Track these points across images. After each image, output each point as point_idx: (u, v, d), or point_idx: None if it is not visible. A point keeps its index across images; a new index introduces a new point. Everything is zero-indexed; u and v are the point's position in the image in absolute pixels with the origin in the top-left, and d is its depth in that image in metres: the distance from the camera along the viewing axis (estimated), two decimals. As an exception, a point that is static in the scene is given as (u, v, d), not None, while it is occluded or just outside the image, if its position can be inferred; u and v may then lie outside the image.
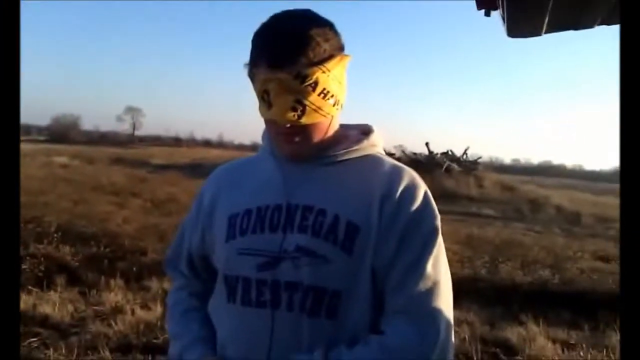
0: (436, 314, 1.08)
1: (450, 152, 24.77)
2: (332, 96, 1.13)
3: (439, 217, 1.16)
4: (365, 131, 1.25)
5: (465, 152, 24.98)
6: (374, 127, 1.27)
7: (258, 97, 1.12)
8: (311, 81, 1.08)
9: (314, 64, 1.08)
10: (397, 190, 1.14)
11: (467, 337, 4.73)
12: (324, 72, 1.09)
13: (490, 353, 4.52)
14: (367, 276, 1.10)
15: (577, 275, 6.98)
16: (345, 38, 1.16)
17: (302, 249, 1.10)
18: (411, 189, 1.15)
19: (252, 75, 1.13)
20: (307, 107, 1.09)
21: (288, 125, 1.10)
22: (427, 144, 24.41)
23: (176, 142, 62.28)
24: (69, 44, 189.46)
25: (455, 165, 23.22)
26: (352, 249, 1.09)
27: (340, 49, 1.14)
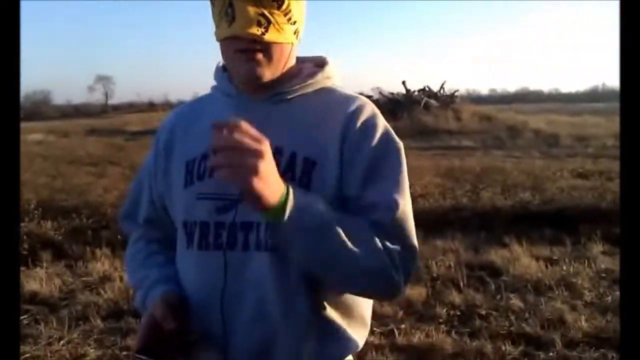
0: (411, 241, 1.09)
1: (427, 89, 24.63)
2: (294, 22, 1.11)
3: (401, 146, 1.14)
4: (319, 64, 1.20)
5: (442, 87, 24.86)
6: (329, 59, 1.22)
7: (219, 15, 1.08)
8: None
9: None
10: (357, 122, 1.11)
11: (452, 264, 4.84)
12: None
13: (476, 277, 4.63)
14: None
15: (557, 194, 7.08)
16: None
17: None
18: (372, 120, 1.13)
19: None
20: (271, 24, 1.06)
21: (250, 39, 1.06)
22: (403, 82, 24.22)
23: (151, 107, 61.03)
24: (33, 18, 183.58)
25: (433, 101, 23.14)
26: (310, 185, 1.07)
27: None
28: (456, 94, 25.39)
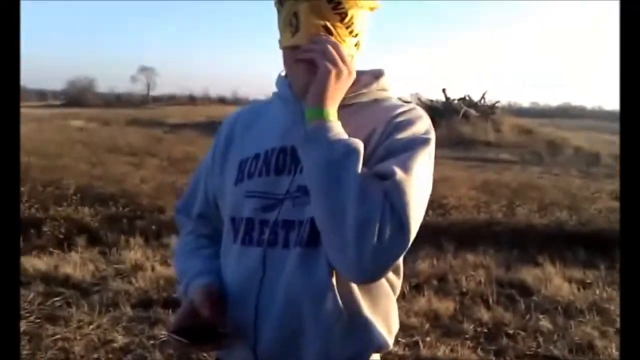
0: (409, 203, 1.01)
1: (467, 98, 24.33)
2: (356, 35, 1.14)
3: (430, 144, 1.11)
4: (376, 75, 1.24)
5: (482, 97, 24.54)
6: (385, 72, 1.25)
7: (284, 23, 1.13)
8: (343, 9, 1.10)
9: None
10: (395, 120, 1.13)
11: (482, 280, 4.78)
12: (356, 5, 1.11)
13: (506, 295, 4.56)
14: None
15: (594, 215, 6.91)
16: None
17: (302, 188, 1.12)
18: (410, 120, 1.14)
19: (280, 1, 1.14)
20: (333, 36, 1.10)
21: None
22: (444, 90, 24.02)
23: (191, 100, 62.14)
24: (81, 7, 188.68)
25: (472, 111, 22.85)
26: None
27: None
28: (497, 105, 25.02)
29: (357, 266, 1.00)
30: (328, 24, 1.09)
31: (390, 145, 1.09)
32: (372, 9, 1.16)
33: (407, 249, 1.02)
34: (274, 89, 1.30)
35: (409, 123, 1.13)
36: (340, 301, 1.11)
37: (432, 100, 24.57)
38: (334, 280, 1.10)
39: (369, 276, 1.05)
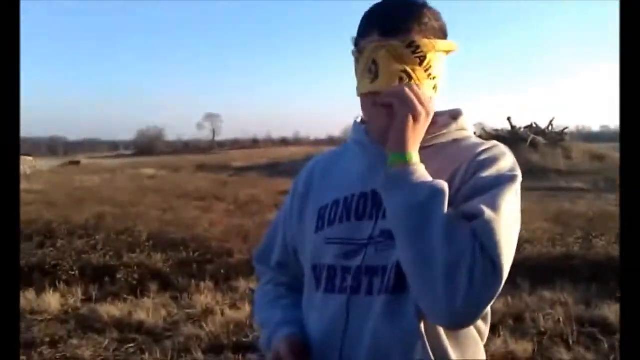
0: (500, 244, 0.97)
1: (534, 125, 23.75)
2: (433, 78, 1.13)
3: (517, 181, 1.08)
4: (454, 115, 1.22)
5: (550, 124, 23.89)
6: (463, 111, 1.24)
7: (363, 71, 1.13)
8: (422, 53, 1.09)
9: (426, 37, 1.10)
10: (478, 158, 1.11)
11: (561, 318, 4.54)
12: (433, 48, 1.11)
13: (587, 333, 4.31)
14: None
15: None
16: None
17: (386, 232, 1.10)
18: (494, 157, 1.11)
19: (359, 50, 1.15)
20: (413, 81, 1.09)
21: None
22: (509, 118, 23.57)
23: (254, 143, 63.86)
24: (146, 63, 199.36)
25: (540, 138, 22.24)
26: None
27: (446, 35, 1.16)
28: (566, 131, 24.26)
29: (449, 311, 0.96)
30: (408, 68, 1.09)
31: (475, 184, 1.06)
32: (448, 52, 1.16)
33: (500, 290, 0.98)
34: (350, 134, 1.31)
35: (493, 160, 1.10)
36: (430, 350, 1.06)
37: (497, 130, 24.12)
38: (422, 327, 1.06)
39: (462, 321, 1.01)
